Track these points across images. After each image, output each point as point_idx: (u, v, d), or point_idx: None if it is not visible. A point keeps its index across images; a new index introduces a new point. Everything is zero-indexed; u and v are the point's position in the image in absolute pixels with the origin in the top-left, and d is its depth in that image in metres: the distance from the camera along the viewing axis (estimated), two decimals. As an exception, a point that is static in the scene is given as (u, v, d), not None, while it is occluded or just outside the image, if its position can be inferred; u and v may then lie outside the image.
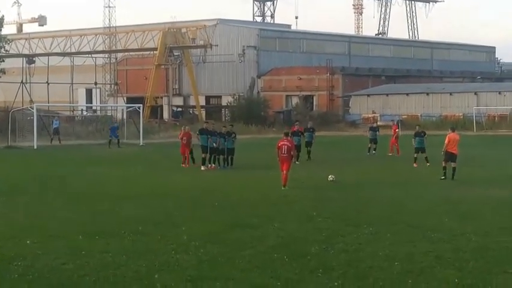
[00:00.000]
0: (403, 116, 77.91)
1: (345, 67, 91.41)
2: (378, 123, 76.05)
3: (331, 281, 11.72)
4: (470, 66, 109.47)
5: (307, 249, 14.12)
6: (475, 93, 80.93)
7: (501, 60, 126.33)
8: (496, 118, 76.53)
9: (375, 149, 40.85)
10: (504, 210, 19.56)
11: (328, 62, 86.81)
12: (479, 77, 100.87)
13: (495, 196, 22.40)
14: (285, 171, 24.82)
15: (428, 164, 32.48)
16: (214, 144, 32.71)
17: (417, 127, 36.33)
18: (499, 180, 27.31)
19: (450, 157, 27.37)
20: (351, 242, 14.90)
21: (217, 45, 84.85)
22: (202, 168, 32.34)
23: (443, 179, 27.10)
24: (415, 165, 32.80)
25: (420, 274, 12.11)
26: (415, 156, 33.23)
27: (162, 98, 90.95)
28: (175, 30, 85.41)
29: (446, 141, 27.73)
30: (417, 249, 14.13)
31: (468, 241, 14.98)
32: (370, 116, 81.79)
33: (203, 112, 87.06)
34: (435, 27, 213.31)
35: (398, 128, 42.26)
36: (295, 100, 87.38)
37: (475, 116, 72.74)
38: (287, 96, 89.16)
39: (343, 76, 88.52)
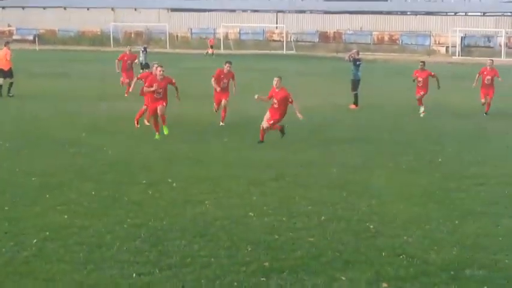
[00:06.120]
0: (41, 31, 76.29)
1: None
2: (14, 37, 74.12)
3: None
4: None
5: None
6: (112, 9, 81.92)
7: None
8: (133, 34, 78.30)
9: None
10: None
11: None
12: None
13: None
14: None
15: None
16: None
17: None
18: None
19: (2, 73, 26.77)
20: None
21: None
22: None
23: None
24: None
25: (58, 188, 12.25)
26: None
27: None
28: None
29: None
30: (57, 164, 14.23)
31: (105, 155, 15.41)
32: (5, 29, 78.91)
33: None
34: None
35: None
36: None
37: (112, 32, 73.65)
38: None
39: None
